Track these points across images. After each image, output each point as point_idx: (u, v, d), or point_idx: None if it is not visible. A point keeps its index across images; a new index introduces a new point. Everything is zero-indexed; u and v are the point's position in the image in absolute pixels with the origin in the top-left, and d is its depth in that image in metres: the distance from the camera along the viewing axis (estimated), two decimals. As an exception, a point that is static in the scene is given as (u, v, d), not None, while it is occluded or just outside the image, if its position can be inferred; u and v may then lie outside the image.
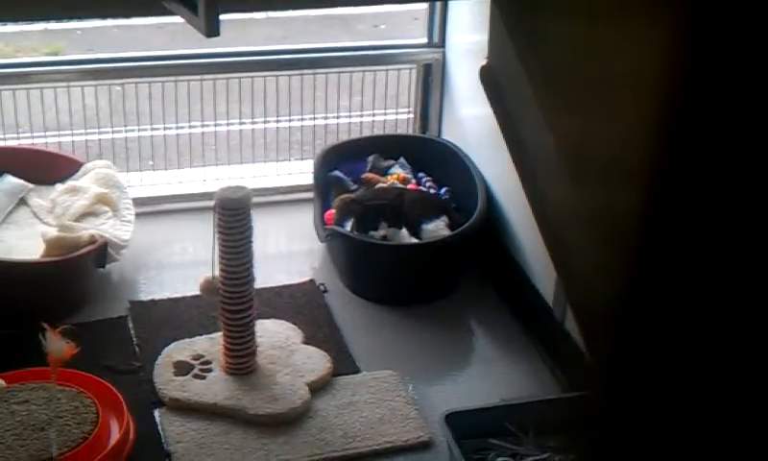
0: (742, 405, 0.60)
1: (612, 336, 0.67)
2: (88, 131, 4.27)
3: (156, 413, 3.18)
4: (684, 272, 0.59)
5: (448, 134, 4.38)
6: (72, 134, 4.27)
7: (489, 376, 3.45)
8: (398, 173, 4.20)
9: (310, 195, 4.15)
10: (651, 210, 0.59)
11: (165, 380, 3.26)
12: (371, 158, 4.26)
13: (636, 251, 0.61)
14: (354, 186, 4.11)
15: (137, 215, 3.92)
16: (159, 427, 3.12)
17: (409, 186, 4.10)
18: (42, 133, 4.22)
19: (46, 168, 4.04)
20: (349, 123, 4.53)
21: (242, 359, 3.29)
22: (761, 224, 0.55)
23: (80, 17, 5.71)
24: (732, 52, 0.55)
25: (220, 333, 3.33)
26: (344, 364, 3.42)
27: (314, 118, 4.50)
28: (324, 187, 4.10)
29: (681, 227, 0.58)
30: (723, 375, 0.60)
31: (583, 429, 0.74)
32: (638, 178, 0.59)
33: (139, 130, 4.36)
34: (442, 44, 4.35)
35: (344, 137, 4.45)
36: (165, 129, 4.38)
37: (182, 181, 4.36)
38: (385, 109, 4.55)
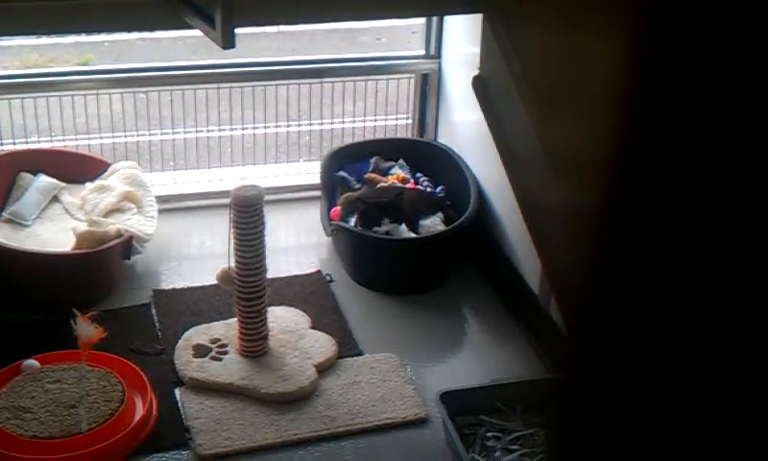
0: (700, 385, 0.61)
1: (580, 320, 0.69)
2: (115, 134, 4.28)
3: (177, 392, 3.18)
4: (640, 260, 0.61)
5: (444, 138, 4.39)
6: (100, 138, 4.28)
7: (480, 359, 3.46)
8: (398, 173, 4.21)
9: (317, 193, 4.16)
10: (610, 204, 0.61)
11: (185, 362, 3.27)
12: (373, 160, 4.27)
13: (600, 242, 0.63)
14: (358, 186, 4.11)
15: (160, 211, 3.93)
16: (180, 405, 3.13)
17: (408, 186, 4.11)
18: (73, 137, 4.22)
19: (77, 168, 4.04)
20: (353, 127, 4.54)
21: (255, 343, 3.31)
22: (705, 214, 0.57)
23: (108, 30, 5.72)
24: (680, 62, 0.57)
25: (235, 319, 3.34)
26: (348, 347, 3.43)
27: (321, 123, 4.50)
28: (331, 186, 4.11)
29: (635, 218, 0.60)
30: (680, 354, 0.62)
31: (556, 407, 0.76)
32: (603, 175, 0.61)
33: (162, 133, 4.37)
34: (438, 56, 4.35)
35: (348, 141, 4.45)
36: (185, 132, 4.39)
37: (201, 181, 4.37)
38: (386, 114, 4.55)
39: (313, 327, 3.49)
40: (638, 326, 0.61)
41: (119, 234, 3.58)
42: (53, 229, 3.80)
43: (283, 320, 3.49)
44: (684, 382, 0.60)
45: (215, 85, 4.25)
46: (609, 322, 0.63)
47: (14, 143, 4.10)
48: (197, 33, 2.58)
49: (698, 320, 0.59)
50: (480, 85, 3.64)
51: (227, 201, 3.24)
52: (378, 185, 4.08)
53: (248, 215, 3.15)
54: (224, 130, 4.40)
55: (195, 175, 4.42)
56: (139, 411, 3.01)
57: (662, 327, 0.60)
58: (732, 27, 0.53)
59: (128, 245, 3.63)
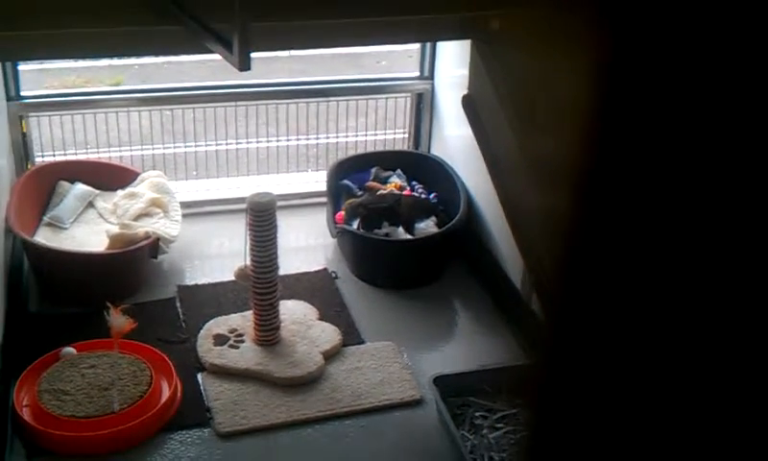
0: (659, 380, 0.62)
1: (552, 313, 0.70)
2: (144, 147, 4.28)
3: (199, 376, 3.19)
4: (604, 258, 0.62)
5: (436, 150, 4.39)
6: (131, 150, 4.28)
7: (469, 346, 3.46)
8: (396, 182, 4.21)
9: (324, 199, 4.16)
10: (577, 209, 0.62)
11: (206, 349, 3.28)
12: (373, 170, 4.27)
13: (569, 242, 0.64)
14: (360, 193, 4.12)
15: (184, 216, 3.93)
16: (201, 388, 3.13)
17: (405, 193, 4.11)
18: (106, 149, 4.24)
19: (109, 177, 4.05)
20: (356, 141, 4.55)
21: (268, 332, 3.31)
22: (664, 217, 0.58)
23: (137, 55, 5.73)
24: (639, 81, 0.58)
25: (251, 311, 3.34)
26: (351, 336, 3.43)
27: (327, 137, 4.51)
28: (335, 193, 4.11)
29: (599, 221, 0.61)
30: (635, 338, 0.62)
31: (532, 389, 0.76)
32: (571, 182, 0.62)
33: (185, 146, 4.37)
34: (431, 77, 4.36)
35: (351, 153, 4.46)
36: (206, 145, 4.40)
37: (220, 188, 4.37)
38: (385, 129, 4.55)
39: (320, 319, 3.49)
40: (603, 316, 0.62)
41: (147, 236, 3.58)
42: (88, 231, 3.80)
43: (294, 312, 3.50)
44: (640, 363, 0.61)
45: (233, 103, 4.26)
46: (576, 313, 0.64)
47: (54, 155, 4.11)
48: (216, 57, 2.58)
49: (650, 309, 0.60)
50: (468, 104, 3.65)
51: (243, 206, 3.24)
52: (378, 192, 4.08)
53: (262, 219, 3.16)
54: (240, 143, 4.41)
55: (215, 183, 4.42)
56: (165, 393, 3.01)
57: (622, 316, 0.61)
58: (687, 49, 0.54)
59: (155, 245, 3.63)
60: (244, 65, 2.37)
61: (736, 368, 0.58)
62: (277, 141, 4.48)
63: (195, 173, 4.47)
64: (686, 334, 0.57)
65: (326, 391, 3.14)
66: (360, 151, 4.48)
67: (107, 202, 3.96)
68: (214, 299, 3.61)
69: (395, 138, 4.57)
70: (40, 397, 2.91)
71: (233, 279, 3.36)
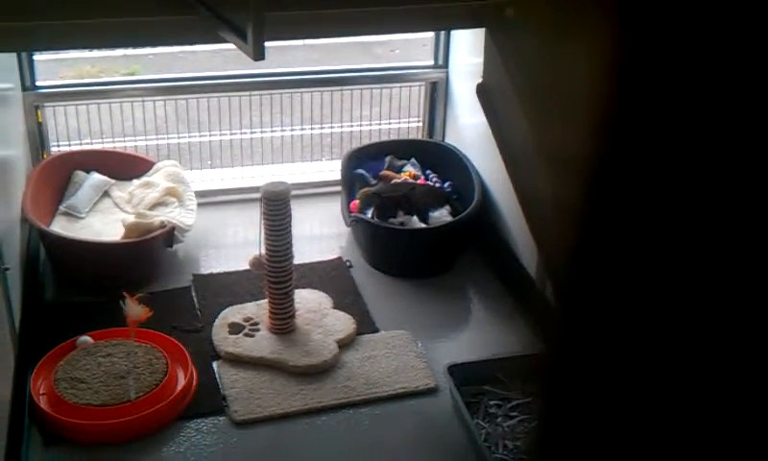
0: (666, 369, 0.62)
1: (564, 302, 0.70)
2: (159, 136, 4.30)
3: (214, 364, 3.20)
4: (616, 249, 0.62)
5: (451, 139, 4.38)
6: (146, 139, 4.30)
7: (483, 335, 3.46)
8: (410, 170, 4.21)
9: (338, 188, 4.16)
10: (589, 197, 0.62)
11: (221, 338, 3.29)
12: (387, 159, 4.27)
13: (580, 231, 0.64)
14: (374, 182, 4.12)
15: (199, 205, 3.94)
16: (217, 376, 3.14)
17: (419, 181, 4.11)
18: (122, 139, 4.25)
19: (125, 167, 4.06)
20: (370, 130, 4.54)
21: (283, 321, 3.32)
22: (676, 209, 0.58)
23: (152, 45, 5.74)
24: (651, 69, 0.57)
25: (266, 300, 3.35)
26: (366, 325, 3.44)
27: (341, 126, 4.50)
28: (350, 182, 4.11)
29: (610, 210, 0.61)
30: (644, 326, 0.63)
31: (544, 378, 0.76)
32: (583, 171, 0.62)
33: (200, 135, 4.38)
34: (445, 66, 4.35)
35: (365, 141, 4.45)
36: (221, 135, 4.40)
37: (235, 178, 4.38)
38: (399, 118, 4.55)
39: (335, 308, 3.50)
40: (614, 306, 0.62)
41: (163, 225, 3.59)
42: (104, 220, 3.82)
43: (308, 301, 3.50)
44: (652, 353, 0.61)
45: (247, 93, 4.26)
46: (588, 302, 0.64)
47: (70, 145, 4.13)
48: (231, 46, 2.58)
49: (661, 299, 0.60)
50: (483, 92, 3.64)
51: (258, 195, 3.25)
52: (392, 181, 4.08)
53: (276, 208, 3.16)
54: (255, 132, 4.41)
55: (230, 172, 4.43)
56: (181, 382, 3.03)
57: (634, 307, 0.61)
58: (698, 35, 0.54)
59: (170, 235, 3.64)
60: (258, 55, 2.37)
61: (746, 363, 0.58)
62: (292, 130, 4.48)
63: (210, 162, 4.48)
64: (698, 325, 0.57)
65: (341, 379, 3.15)
66: (374, 140, 4.48)
67: (122, 191, 3.97)
68: (229, 287, 3.62)
69: (409, 127, 4.56)
70: (57, 385, 2.93)
71: (248, 267, 3.37)
